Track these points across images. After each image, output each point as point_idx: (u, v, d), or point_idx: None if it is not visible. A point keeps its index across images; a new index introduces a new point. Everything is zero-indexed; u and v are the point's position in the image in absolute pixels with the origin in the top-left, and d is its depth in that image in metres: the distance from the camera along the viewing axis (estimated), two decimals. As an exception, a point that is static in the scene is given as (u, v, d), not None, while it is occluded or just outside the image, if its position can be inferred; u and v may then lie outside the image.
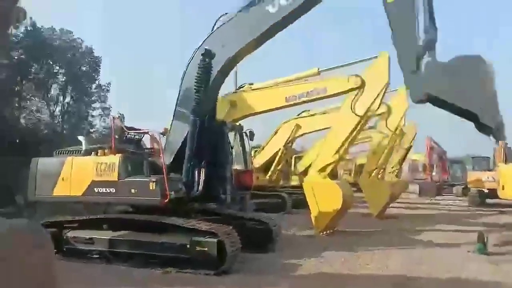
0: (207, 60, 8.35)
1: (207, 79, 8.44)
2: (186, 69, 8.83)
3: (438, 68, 6.18)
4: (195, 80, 8.41)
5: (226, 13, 8.47)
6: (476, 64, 6.02)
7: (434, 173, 36.36)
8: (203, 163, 8.69)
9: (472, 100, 5.99)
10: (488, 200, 24.92)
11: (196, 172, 8.62)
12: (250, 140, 15.35)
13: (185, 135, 8.63)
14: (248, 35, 8.26)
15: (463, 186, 30.83)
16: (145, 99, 66.54)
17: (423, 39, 6.22)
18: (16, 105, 25.82)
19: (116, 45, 66.56)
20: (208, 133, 8.74)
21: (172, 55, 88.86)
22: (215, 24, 8.56)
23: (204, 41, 8.61)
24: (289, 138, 20.01)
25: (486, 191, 24.94)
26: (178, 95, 8.96)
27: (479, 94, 5.98)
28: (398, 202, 23.06)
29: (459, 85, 6.00)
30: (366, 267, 8.69)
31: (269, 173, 20.74)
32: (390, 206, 19.37)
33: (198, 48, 8.60)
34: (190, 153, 8.47)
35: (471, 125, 6.23)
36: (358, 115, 12.26)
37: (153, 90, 75.73)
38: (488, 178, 25.00)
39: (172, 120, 9.07)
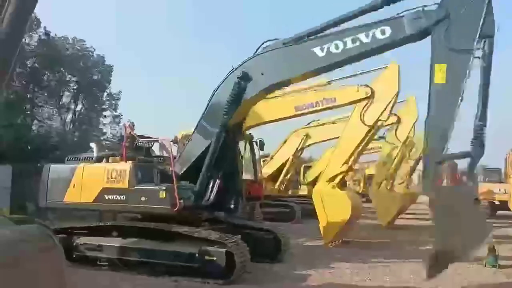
0: (242, 83, 8.34)
1: (238, 101, 8.44)
2: (219, 86, 8.81)
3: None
4: (227, 100, 8.40)
5: (273, 39, 8.28)
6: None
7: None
8: (219, 174, 8.78)
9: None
10: (499, 212, 24.63)
11: (211, 182, 8.69)
12: (260, 149, 15.41)
13: (204, 148, 8.71)
14: (290, 72, 8.16)
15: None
16: (151, 106, 66.80)
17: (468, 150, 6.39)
18: (28, 112, 26.13)
19: (126, 52, 67.04)
20: (226, 145, 8.83)
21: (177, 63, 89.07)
22: (258, 48, 8.37)
23: (243, 63, 8.51)
24: (298, 147, 20.02)
25: (497, 203, 24.64)
26: (205, 109, 8.98)
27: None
28: (407, 213, 22.89)
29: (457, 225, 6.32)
30: (375, 278, 8.63)
31: (278, 182, 20.74)
32: (399, 217, 19.23)
33: (236, 68, 8.53)
34: (209, 165, 8.56)
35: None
36: (368, 125, 12.24)
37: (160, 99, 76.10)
38: (499, 190, 24.69)
39: (194, 132, 9.15)
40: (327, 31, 7.74)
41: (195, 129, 9.15)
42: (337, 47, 7.48)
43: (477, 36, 6.28)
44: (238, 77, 8.31)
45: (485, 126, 6.28)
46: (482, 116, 6.29)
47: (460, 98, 6.40)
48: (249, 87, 8.38)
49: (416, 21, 6.90)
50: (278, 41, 8.19)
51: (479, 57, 6.37)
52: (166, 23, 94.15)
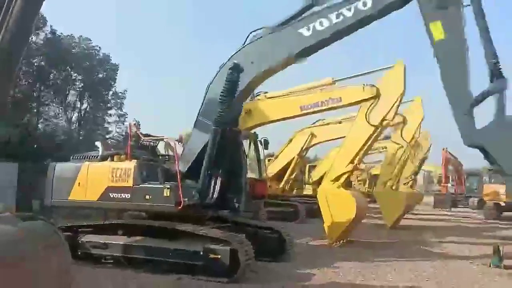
0: (235, 74, 8.38)
1: (233, 93, 8.46)
2: (213, 80, 8.86)
3: (498, 128, 6.06)
4: (221, 92, 8.43)
5: (259, 29, 8.47)
6: None
7: (449, 185, 35.95)
8: (220, 171, 8.75)
9: None
10: (505, 214, 24.55)
11: (213, 180, 8.69)
12: (265, 148, 15.41)
13: (204, 144, 8.69)
14: (279, 56, 8.26)
15: (478, 199, 30.42)
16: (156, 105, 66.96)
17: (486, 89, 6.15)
18: (35, 111, 26.28)
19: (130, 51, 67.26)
20: (227, 142, 8.81)
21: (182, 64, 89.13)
22: (246, 39, 8.55)
23: (233, 55, 8.63)
24: (303, 146, 20.00)
25: (503, 204, 24.55)
26: (201, 105, 9.01)
27: None
28: (412, 214, 22.84)
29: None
30: (379, 278, 8.61)
31: (283, 182, 20.73)
32: (404, 217, 19.19)
33: (227, 61, 8.62)
34: (209, 161, 8.54)
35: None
36: (373, 125, 12.21)
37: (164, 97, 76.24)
38: (505, 191, 24.58)
39: (193, 129, 9.16)
40: (310, 12, 7.93)
41: (194, 127, 9.16)
42: (321, 24, 7.69)
43: None
44: (230, 69, 8.40)
45: (498, 62, 6.10)
46: (492, 54, 6.14)
47: (465, 46, 6.39)
48: (242, 77, 8.48)
49: None
50: (264, 29, 8.40)
51: (469, 5, 6.35)
52: (166, 23, 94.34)
